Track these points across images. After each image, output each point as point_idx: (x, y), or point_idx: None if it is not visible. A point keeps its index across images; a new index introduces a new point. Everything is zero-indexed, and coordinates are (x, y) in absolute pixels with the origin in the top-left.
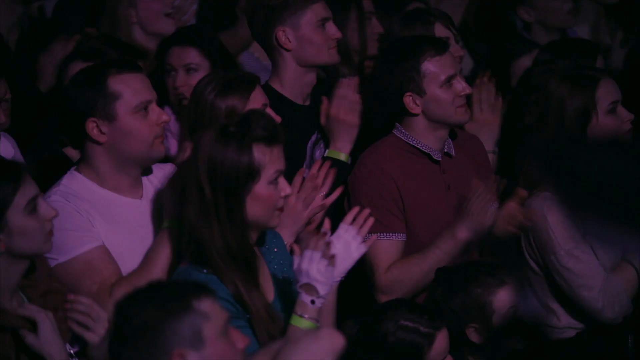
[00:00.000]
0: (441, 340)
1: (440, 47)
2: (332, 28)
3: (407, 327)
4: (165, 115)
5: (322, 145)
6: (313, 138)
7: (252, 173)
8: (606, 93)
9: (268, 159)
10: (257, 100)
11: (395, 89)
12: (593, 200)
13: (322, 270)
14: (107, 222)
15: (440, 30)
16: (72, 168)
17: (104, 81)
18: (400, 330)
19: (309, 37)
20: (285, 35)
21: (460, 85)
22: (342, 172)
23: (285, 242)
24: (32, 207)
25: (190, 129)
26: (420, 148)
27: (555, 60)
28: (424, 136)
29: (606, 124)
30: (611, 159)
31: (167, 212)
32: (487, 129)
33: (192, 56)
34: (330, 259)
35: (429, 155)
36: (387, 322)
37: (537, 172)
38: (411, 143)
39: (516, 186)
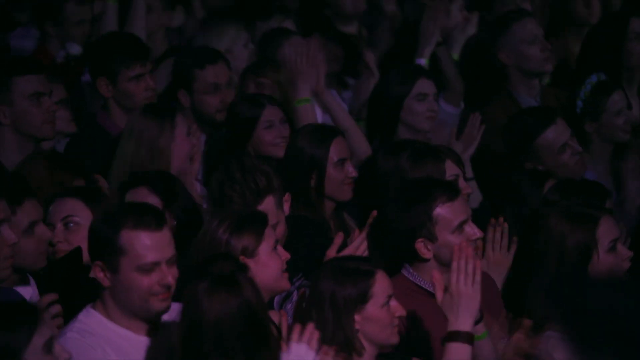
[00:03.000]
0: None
1: (452, 192)
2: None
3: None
4: (171, 278)
5: (293, 299)
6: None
7: None
8: (607, 231)
9: None
10: (270, 238)
11: (407, 234)
12: (600, 340)
13: None
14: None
15: (450, 168)
16: (89, 305)
17: (116, 232)
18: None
19: None
20: None
21: (471, 230)
22: None
23: None
24: (48, 348)
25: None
26: (429, 290)
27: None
28: None
29: (606, 261)
30: (619, 299)
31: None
32: (496, 269)
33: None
34: None
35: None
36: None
37: (542, 310)
38: (420, 284)
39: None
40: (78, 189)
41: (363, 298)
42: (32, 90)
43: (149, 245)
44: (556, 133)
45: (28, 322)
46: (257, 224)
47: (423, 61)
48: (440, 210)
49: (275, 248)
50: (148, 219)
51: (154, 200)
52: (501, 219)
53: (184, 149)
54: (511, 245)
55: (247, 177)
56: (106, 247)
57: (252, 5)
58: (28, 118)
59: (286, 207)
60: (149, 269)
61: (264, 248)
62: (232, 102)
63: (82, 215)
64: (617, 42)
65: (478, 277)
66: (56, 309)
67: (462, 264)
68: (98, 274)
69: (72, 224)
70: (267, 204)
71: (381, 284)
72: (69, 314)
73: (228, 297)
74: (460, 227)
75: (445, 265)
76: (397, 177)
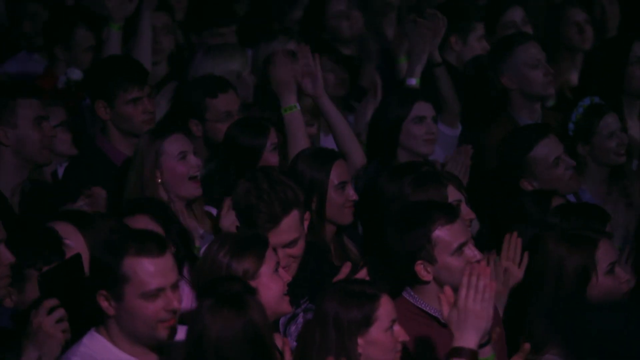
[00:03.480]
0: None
1: (451, 215)
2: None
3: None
4: (176, 302)
5: (298, 321)
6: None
7: None
8: (605, 254)
9: None
10: (270, 259)
11: (406, 257)
12: None
13: None
14: None
15: (452, 193)
16: (93, 329)
17: (119, 260)
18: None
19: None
20: None
21: (471, 252)
22: None
23: None
24: None
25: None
26: (430, 312)
27: (565, 224)
28: (434, 301)
29: (605, 284)
30: (618, 322)
31: None
32: (496, 298)
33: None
34: None
35: (437, 319)
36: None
37: (542, 333)
38: (421, 307)
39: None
40: (68, 213)
41: (367, 321)
42: (35, 114)
43: (153, 271)
44: (549, 146)
45: (12, 347)
46: (258, 246)
47: (414, 81)
48: (439, 233)
49: (276, 270)
50: (150, 245)
51: (154, 227)
52: (515, 234)
53: (177, 172)
54: (522, 260)
55: (275, 189)
56: (109, 275)
57: (256, 27)
58: (29, 142)
59: (305, 225)
60: (153, 294)
61: (265, 270)
62: (233, 127)
63: (73, 238)
64: (617, 66)
65: (488, 295)
66: (59, 313)
67: (473, 280)
68: (102, 303)
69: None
70: (293, 217)
71: (386, 308)
72: (73, 320)
73: (232, 316)
74: (460, 249)
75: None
76: (399, 202)
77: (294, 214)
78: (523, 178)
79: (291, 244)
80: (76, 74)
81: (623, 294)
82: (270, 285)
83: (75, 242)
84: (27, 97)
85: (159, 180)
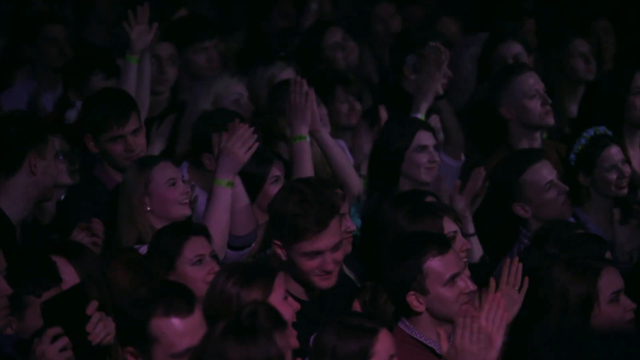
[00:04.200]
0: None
1: (443, 245)
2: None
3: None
4: None
5: None
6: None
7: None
8: (608, 282)
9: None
10: (279, 289)
11: (399, 287)
12: None
13: None
14: None
15: (448, 225)
16: None
17: (147, 319)
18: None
19: (298, 262)
20: (280, 247)
21: (464, 283)
22: None
23: None
24: None
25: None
26: (425, 342)
27: (564, 254)
28: (429, 331)
29: (608, 313)
30: (621, 351)
31: None
32: (508, 308)
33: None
34: None
35: (432, 350)
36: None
37: None
38: (416, 337)
39: None
40: (60, 246)
41: (364, 355)
42: (55, 150)
43: (182, 332)
44: (541, 170)
45: None
46: (266, 275)
47: (419, 116)
48: (431, 264)
49: (285, 298)
50: (179, 303)
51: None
52: (516, 259)
53: (167, 198)
54: (523, 286)
55: (320, 193)
56: (137, 334)
57: (256, 52)
58: (50, 175)
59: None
60: (183, 354)
61: (274, 299)
62: None
63: (65, 271)
64: (619, 97)
65: (483, 337)
66: (63, 341)
67: (468, 321)
68: (128, 358)
69: None
70: (337, 220)
71: (384, 343)
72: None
73: (234, 345)
74: (452, 280)
75: (438, 318)
76: (395, 231)
77: (338, 217)
78: (515, 202)
79: (337, 246)
80: (72, 114)
81: (628, 322)
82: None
83: (67, 275)
84: (52, 133)
85: (148, 208)
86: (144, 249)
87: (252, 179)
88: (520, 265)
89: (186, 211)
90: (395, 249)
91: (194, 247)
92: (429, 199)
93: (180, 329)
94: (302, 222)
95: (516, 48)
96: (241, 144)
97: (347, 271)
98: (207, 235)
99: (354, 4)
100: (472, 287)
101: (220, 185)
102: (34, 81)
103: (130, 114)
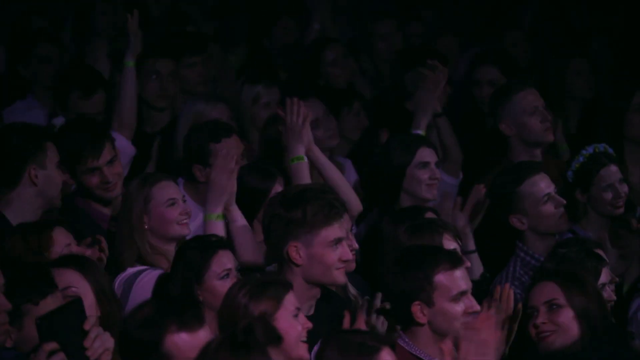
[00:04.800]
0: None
1: (455, 261)
2: (344, 249)
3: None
4: None
5: None
6: (316, 348)
7: None
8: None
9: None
10: (290, 304)
11: (405, 296)
12: None
13: None
14: None
15: (447, 242)
16: None
17: (160, 337)
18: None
19: (319, 256)
20: (297, 250)
21: (470, 302)
22: None
23: None
24: None
25: (221, 330)
26: (424, 359)
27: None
28: (428, 347)
29: None
30: None
31: None
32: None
33: None
34: None
35: None
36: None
37: None
38: (414, 353)
39: None
40: (70, 259)
41: None
42: (57, 159)
43: (196, 345)
44: (540, 183)
45: None
46: (278, 289)
47: (420, 132)
48: (442, 277)
49: (296, 316)
50: (189, 318)
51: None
52: (507, 285)
53: (166, 218)
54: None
55: (324, 196)
56: (149, 354)
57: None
58: (54, 184)
59: None
60: None
61: (283, 314)
62: (242, 168)
63: (80, 285)
64: (619, 114)
65: (489, 350)
66: (59, 357)
67: (471, 334)
68: None
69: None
70: (345, 221)
71: None
72: None
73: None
74: (459, 297)
75: (438, 333)
76: (395, 247)
77: (346, 218)
78: (512, 213)
79: (341, 240)
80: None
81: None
82: (288, 330)
83: (82, 289)
84: (51, 141)
85: (146, 226)
86: (143, 274)
87: (255, 194)
88: (512, 291)
89: (185, 231)
90: (406, 258)
91: (221, 261)
92: (429, 214)
93: (194, 342)
94: (323, 208)
95: (491, 73)
96: (225, 174)
97: (350, 288)
98: (232, 249)
99: (355, 21)
100: (476, 307)
101: (210, 220)
102: (35, 100)
103: (104, 144)
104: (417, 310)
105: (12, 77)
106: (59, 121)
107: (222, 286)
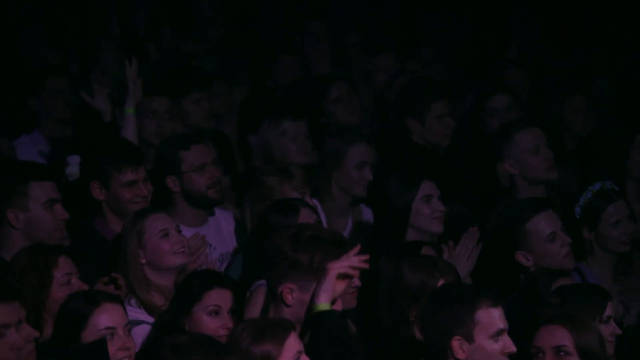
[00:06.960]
0: None
1: (496, 299)
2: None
3: None
4: None
5: None
6: None
7: None
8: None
9: None
10: (292, 347)
11: (443, 331)
12: None
13: None
14: None
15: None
16: None
17: None
18: None
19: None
20: (290, 292)
21: (508, 341)
22: None
23: None
24: None
25: None
26: None
27: (566, 304)
28: None
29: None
30: None
31: None
32: None
33: None
34: None
35: None
36: None
37: None
38: None
39: None
40: (106, 294)
41: None
42: (47, 197)
43: None
44: (546, 220)
45: None
46: (280, 332)
47: None
48: (483, 313)
49: (298, 359)
50: (214, 350)
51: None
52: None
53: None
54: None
55: (334, 250)
56: None
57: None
58: (41, 224)
59: None
60: None
61: (286, 357)
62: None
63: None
64: (620, 153)
65: None
66: None
67: None
68: None
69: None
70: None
71: None
72: None
73: None
74: (498, 335)
75: None
76: (392, 282)
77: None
78: (518, 250)
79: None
80: (75, 168)
81: None
82: None
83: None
84: (40, 180)
85: (143, 261)
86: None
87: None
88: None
89: (182, 260)
90: (446, 293)
91: (214, 297)
92: (425, 249)
93: None
94: (330, 258)
95: (506, 100)
96: None
97: (350, 324)
98: (235, 291)
99: (356, 56)
100: (513, 348)
101: None
102: (41, 135)
103: (142, 161)
104: (457, 345)
105: (20, 110)
106: (74, 160)
107: (209, 322)
